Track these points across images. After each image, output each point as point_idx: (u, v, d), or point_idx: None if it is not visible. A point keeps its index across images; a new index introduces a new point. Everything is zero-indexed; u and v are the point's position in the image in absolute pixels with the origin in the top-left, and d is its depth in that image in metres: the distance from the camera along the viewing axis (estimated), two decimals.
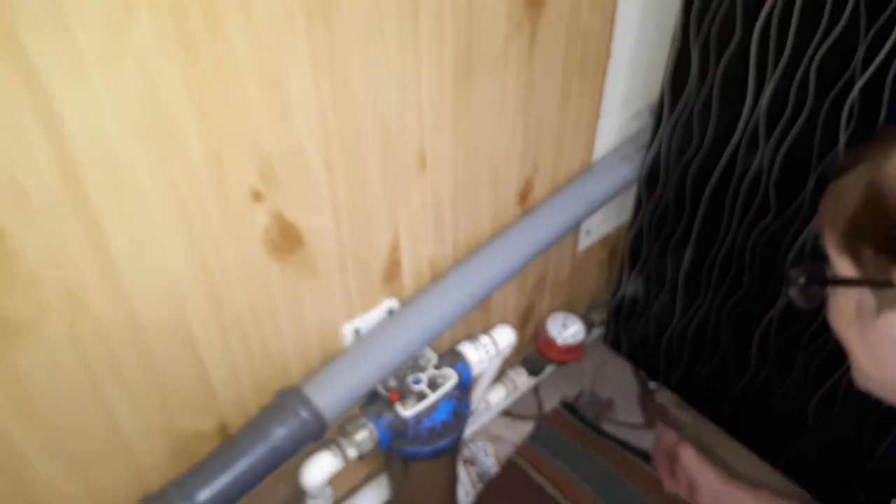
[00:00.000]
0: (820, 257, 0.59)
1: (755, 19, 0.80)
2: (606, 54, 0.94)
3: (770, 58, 0.80)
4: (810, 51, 0.77)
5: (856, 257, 0.55)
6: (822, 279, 0.60)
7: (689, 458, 1.00)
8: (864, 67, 0.74)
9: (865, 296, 0.56)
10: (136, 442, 0.72)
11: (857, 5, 0.72)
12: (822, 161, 0.82)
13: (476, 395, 1.00)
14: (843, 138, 0.79)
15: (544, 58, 0.85)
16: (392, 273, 0.86)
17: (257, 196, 0.66)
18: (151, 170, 0.57)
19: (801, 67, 0.78)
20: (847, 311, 0.60)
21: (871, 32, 0.72)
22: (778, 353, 0.99)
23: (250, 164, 0.63)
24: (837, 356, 0.92)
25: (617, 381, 1.28)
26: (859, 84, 0.75)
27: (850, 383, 0.66)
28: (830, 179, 0.58)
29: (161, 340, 0.67)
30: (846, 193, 0.56)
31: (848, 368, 0.61)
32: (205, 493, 0.71)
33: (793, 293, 0.65)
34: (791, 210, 0.88)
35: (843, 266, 0.57)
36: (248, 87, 0.59)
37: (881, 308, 0.54)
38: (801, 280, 0.63)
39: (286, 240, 0.71)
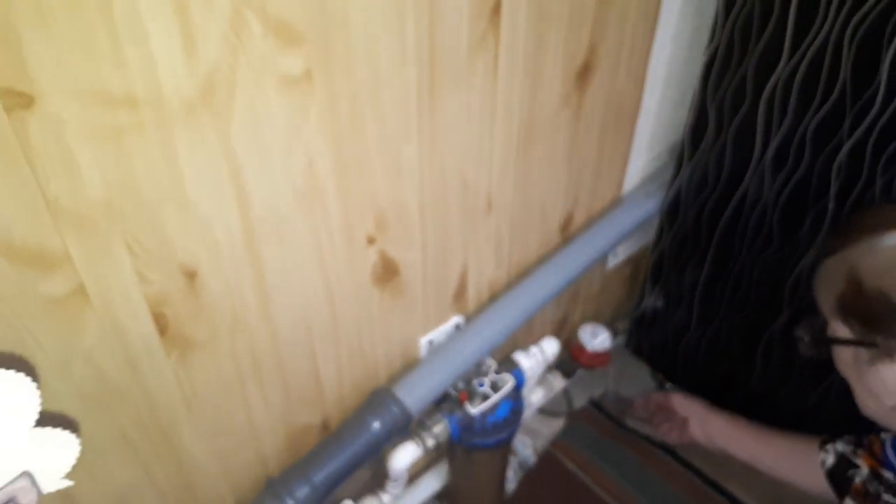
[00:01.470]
0: (814, 314, 0.75)
1: (763, 89, 0.97)
2: (636, 110, 1.12)
3: (774, 121, 0.98)
4: (807, 117, 0.95)
5: (847, 324, 0.71)
6: (824, 339, 0.75)
7: (678, 399, 1.22)
8: (850, 133, 0.91)
9: (860, 351, 0.71)
10: (263, 434, 0.90)
11: (844, 85, 0.89)
12: (817, 204, 1.00)
13: (524, 395, 1.18)
14: (833, 188, 0.96)
15: (588, 119, 1.03)
16: (460, 294, 1.04)
17: (371, 240, 0.83)
18: (301, 224, 0.75)
19: (800, 130, 0.96)
20: (847, 360, 0.75)
21: (856, 107, 0.89)
22: (780, 359, 1.17)
23: (370, 216, 0.81)
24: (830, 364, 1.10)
25: (637, 382, 1.46)
26: (846, 146, 0.92)
27: (842, 385, 0.84)
28: (822, 258, 0.74)
29: (291, 351, 0.85)
30: (834, 274, 0.71)
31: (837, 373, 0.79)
32: (320, 476, 0.88)
33: (801, 347, 0.80)
34: (791, 242, 1.05)
35: (838, 328, 0.71)
36: (373, 160, 0.77)
37: (873, 360, 0.69)
38: (807, 339, 0.79)
39: (387, 271, 0.89)
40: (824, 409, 1.15)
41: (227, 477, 0.89)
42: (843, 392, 1.08)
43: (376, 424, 0.92)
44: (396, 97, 0.75)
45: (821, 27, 0.88)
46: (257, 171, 0.67)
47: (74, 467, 0.67)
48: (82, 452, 0.68)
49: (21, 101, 0.50)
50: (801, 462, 1.06)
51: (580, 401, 1.44)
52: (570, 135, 1.02)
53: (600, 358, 1.34)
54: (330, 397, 0.95)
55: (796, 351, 1.13)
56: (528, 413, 1.37)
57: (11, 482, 0.44)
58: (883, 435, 0.95)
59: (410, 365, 1.01)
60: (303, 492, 0.86)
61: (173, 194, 0.63)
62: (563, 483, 1.29)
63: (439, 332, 1.04)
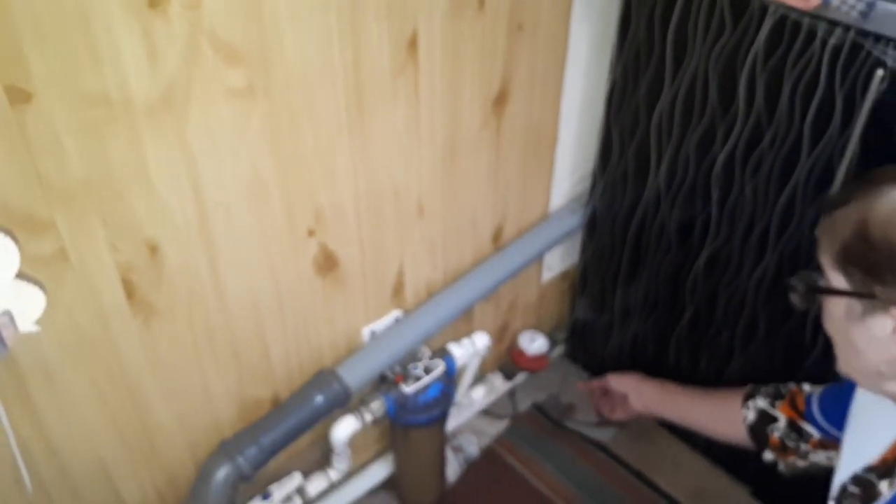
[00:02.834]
0: (813, 266, 0.77)
1: (652, 113, 1.15)
2: (555, 136, 1.29)
3: (663, 140, 1.15)
4: (688, 135, 1.12)
5: (847, 275, 0.71)
6: (819, 289, 0.76)
7: (613, 378, 1.34)
8: (722, 147, 1.08)
9: (853, 304, 0.72)
10: (218, 402, 1.04)
11: (713, 108, 1.07)
12: (703, 210, 1.16)
13: (461, 389, 1.32)
14: (714, 195, 1.13)
15: (508, 141, 1.20)
16: (398, 290, 1.19)
17: (311, 232, 1.00)
18: (249, 214, 0.91)
19: (683, 147, 1.13)
20: (837, 314, 0.75)
21: (724, 124, 1.07)
22: (689, 351, 1.31)
23: (309, 211, 0.98)
24: (728, 356, 1.25)
25: (575, 388, 1.60)
26: (721, 159, 1.09)
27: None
28: (826, 210, 0.75)
29: (242, 328, 1.00)
30: (840, 225, 0.72)
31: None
32: (267, 439, 1.03)
33: (793, 298, 0.80)
34: (685, 247, 1.21)
35: (835, 279, 0.73)
36: (311, 163, 0.94)
37: (865, 313, 0.71)
38: (801, 288, 0.78)
39: (327, 262, 1.05)
40: None
41: (186, 439, 1.03)
42: (742, 382, 1.22)
43: (319, 398, 1.06)
44: (328, 111, 0.92)
45: (692, 58, 1.06)
46: (209, 165, 0.84)
47: (52, 407, 0.82)
48: (58, 392, 0.84)
49: (22, 96, 0.68)
50: (725, 419, 1.14)
51: (524, 405, 1.57)
52: (493, 154, 1.19)
53: (538, 361, 1.49)
54: (279, 375, 1.09)
55: (699, 345, 1.28)
56: (472, 412, 1.51)
57: None
58: (807, 388, 1.05)
59: (353, 351, 1.16)
60: (251, 451, 1.00)
61: (139, 178, 0.79)
62: (503, 475, 1.42)
63: (380, 324, 1.19)
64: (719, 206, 1.14)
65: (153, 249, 0.84)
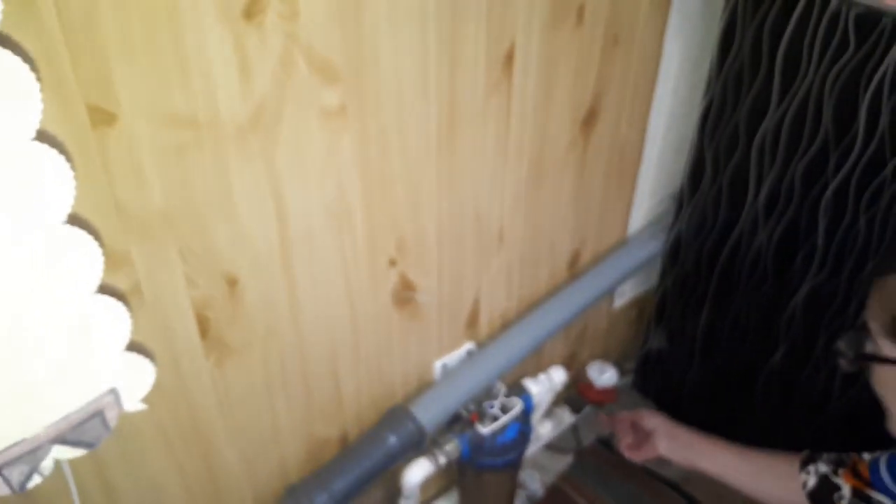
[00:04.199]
0: (857, 328, 0.75)
1: (754, 136, 1.06)
2: (639, 157, 1.21)
3: (765, 166, 1.06)
4: (795, 161, 1.03)
5: None
6: (869, 357, 0.74)
7: (646, 414, 1.19)
8: (834, 175, 0.99)
9: None
10: (286, 441, 0.96)
11: (826, 131, 0.98)
12: (806, 242, 1.07)
13: (533, 423, 1.23)
14: (821, 225, 1.04)
15: (593, 163, 1.12)
16: (472, 321, 1.11)
17: (392, 262, 0.92)
18: (331, 243, 0.83)
19: (789, 173, 1.04)
20: (887, 379, 0.75)
21: (838, 150, 0.98)
22: (779, 390, 1.22)
23: (392, 240, 0.90)
24: (826, 395, 1.15)
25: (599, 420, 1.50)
26: (832, 187, 1.00)
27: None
28: (879, 274, 0.73)
29: (316, 363, 0.92)
30: (892, 293, 0.71)
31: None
32: (338, 485, 0.94)
33: (842, 363, 0.79)
34: (784, 279, 1.12)
35: (886, 346, 0.72)
36: (397, 187, 0.86)
37: None
38: (850, 354, 0.77)
39: (406, 293, 0.97)
40: (824, 444, 1.19)
41: (251, 481, 0.95)
42: (840, 423, 1.13)
43: (393, 439, 0.98)
44: (419, 131, 0.84)
45: (804, 78, 0.97)
46: (296, 191, 0.76)
47: (115, 455, 0.74)
48: (123, 440, 0.76)
49: (105, 117, 0.60)
50: (780, 481, 1.04)
51: (588, 439, 1.49)
52: (576, 177, 1.11)
53: (607, 394, 1.40)
54: (349, 412, 1.01)
55: (793, 385, 1.19)
56: (536, 447, 1.42)
57: (101, 396, 0.52)
58: (866, 455, 0.99)
59: (425, 386, 1.07)
60: (321, 498, 0.92)
61: (222, 207, 0.72)
62: None
63: (453, 357, 1.11)
64: (826, 237, 1.04)
65: (232, 283, 0.77)
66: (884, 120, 0.92)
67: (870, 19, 0.89)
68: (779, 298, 1.14)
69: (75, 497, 0.73)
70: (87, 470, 0.76)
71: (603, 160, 1.14)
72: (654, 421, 1.20)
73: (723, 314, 1.24)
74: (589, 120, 1.06)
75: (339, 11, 0.70)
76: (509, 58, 0.89)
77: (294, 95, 0.71)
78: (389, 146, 0.82)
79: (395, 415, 1.00)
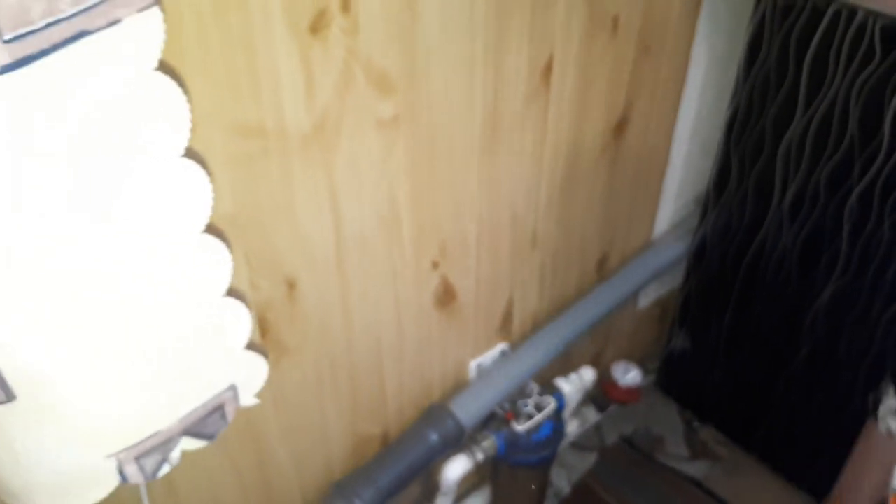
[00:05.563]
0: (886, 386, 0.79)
1: (780, 142, 1.09)
2: (666, 162, 1.24)
3: (791, 170, 1.10)
4: (820, 166, 1.06)
5: None
6: None
7: None
8: (859, 180, 1.03)
9: None
10: (332, 439, 0.99)
11: (852, 137, 1.01)
12: (831, 245, 1.10)
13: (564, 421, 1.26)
14: (845, 229, 1.07)
15: (622, 167, 1.15)
16: (506, 322, 1.14)
17: (435, 265, 0.95)
18: (381, 246, 0.87)
19: (813, 178, 1.07)
20: None
21: (864, 156, 1.01)
22: (802, 390, 1.25)
23: (435, 244, 0.93)
24: (848, 397, 1.18)
25: (667, 420, 1.54)
26: (856, 192, 1.04)
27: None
28: None
29: (364, 363, 0.95)
30: None
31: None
32: (384, 480, 0.98)
33: (881, 426, 0.82)
34: (808, 282, 1.15)
35: None
36: (442, 194, 0.89)
37: None
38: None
39: (447, 295, 1.00)
40: (846, 440, 1.23)
41: (299, 478, 0.98)
42: (862, 424, 1.16)
43: (434, 436, 1.01)
44: (464, 139, 0.88)
45: (830, 85, 1.01)
46: (351, 197, 0.80)
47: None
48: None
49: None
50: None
51: (612, 437, 1.52)
52: (607, 181, 1.14)
53: (631, 393, 1.43)
54: (391, 410, 1.05)
55: (815, 386, 1.22)
56: (561, 445, 1.45)
57: (223, 392, 0.55)
58: None
59: (460, 386, 1.11)
60: (368, 493, 0.96)
61: (284, 213, 0.75)
62: None
63: (487, 357, 1.14)
64: (850, 241, 1.08)
65: (291, 286, 0.80)
66: None
67: (895, 30, 0.92)
68: (802, 301, 1.17)
69: (144, 496, 0.77)
70: None
71: (632, 165, 1.17)
72: None
73: (746, 316, 1.27)
74: (620, 126, 1.09)
75: (396, 27, 0.73)
76: (548, 68, 0.92)
77: (353, 106, 0.74)
78: (436, 153, 0.86)
79: (436, 413, 1.03)
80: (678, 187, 1.29)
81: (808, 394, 1.24)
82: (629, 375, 1.41)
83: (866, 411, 1.18)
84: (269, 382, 0.85)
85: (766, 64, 1.07)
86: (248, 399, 0.63)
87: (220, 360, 0.57)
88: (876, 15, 0.94)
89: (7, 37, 0.38)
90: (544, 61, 0.91)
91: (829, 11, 0.98)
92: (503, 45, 0.85)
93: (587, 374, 1.19)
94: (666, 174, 1.26)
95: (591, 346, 1.40)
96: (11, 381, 0.44)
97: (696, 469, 1.45)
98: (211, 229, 0.60)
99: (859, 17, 0.95)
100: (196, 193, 0.54)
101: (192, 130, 0.63)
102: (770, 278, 1.20)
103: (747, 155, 1.15)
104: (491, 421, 1.11)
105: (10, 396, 0.44)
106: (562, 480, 1.41)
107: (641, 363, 1.50)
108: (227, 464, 0.87)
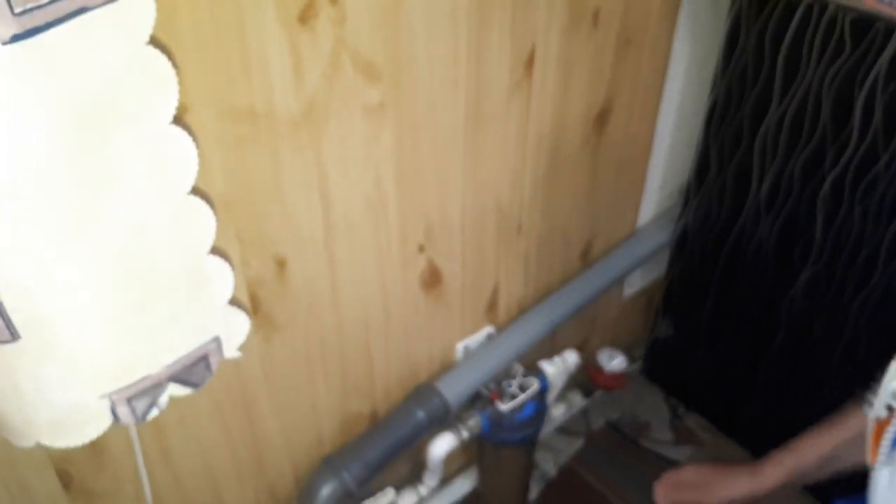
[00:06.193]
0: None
1: (756, 132, 1.13)
2: (648, 153, 1.28)
3: (767, 160, 1.14)
4: (794, 156, 1.10)
5: None
6: None
7: (689, 468, 1.03)
8: (831, 169, 1.06)
9: None
10: (322, 416, 1.03)
11: (824, 127, 1.05)
12: (806, 232, 1.14)
13: (548, 403, 1.30)
14: (819, 216, 1.11)
15: (605, 158, 1.19)
16: (492, 306, 1.18)
17: (421, 248, 0.99)
18: (368, 229, 0.91)
19: (788, 167, 1.11)
20: None
21: (835, 146, 1.05)
22: (781, 373, 1.29)
23: (421, 227, 0.97)
24: (821, 383, 1.22)
25: (651, 406, 1.58)
26: (829, 180, 1.07)
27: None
28: None
29: (351, 342, 0.99)
30: None
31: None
32: (371, 455, 1.02)
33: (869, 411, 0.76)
34: (784, 267, 1.19)
35: None
36: (427, 179, 0.93)
37: None
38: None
39: (433, 278, 1.04)
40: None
41: (289, 452, 1.02)
42: (839, 402, 1.20)
43: (421, 413, 1.05)
44: (447, 127, 0.91)
45: (804, 77, 1.04)
46: (338, 180, 0.84)
47: (174, 420, 0.82)
48: (182, 406, 0.83)
49: (184, 108, 0.67)
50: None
51: (598, 423, 1.56)
52: (590, 171, 1.18)
53: (616, 379, 1.47)
54: (379, 389, 1.09)
55: (793, 367, 1.26)
56: (548, 429, 1.49)
57: (207, 343, 0.59)
58: None
59: (447, 367, 1.15)
60: (356, 467, 1.00)
61: (274, 193, 0.79)
62: (582, 494, 1.40)
63: (473, 340, 1.18)
64: (824, 227, 1.11)
65: (281, 264, 0.84)
66: (877, 117, 0.99)
67: (864, 24, 0.96)
68: (779, 287, 1.21)
69: (139, 456, 0.81)
70: (149, 432, 0.84)
71: (615, 156, 1.21)
72: (703, 468, 1.03)
73: (727, 303, 1.31)
74: (602, 117, 1.13)
75: (382, 17, 0.77)
76: (530, 59, 0.96)
77: (340, 93, 0.78)
78: (421, 140, 0.89)
79: (423, 391, 1.07)
80: (662, 177, 1.33)
81: (785, 379, 1.28)
82: (614, 362, 1.45)
83: (841, 398, 1.21)
84: (262, 358, 0.89)
85: (743, 58, 1.11)
86: (230, 352, 0.67)
87: (205, 313, 0.61)
88: (846, 9, 0.98)
89: (17, 10, 0.43)
90: (527, 53, 0.95)
91: (802, 6, 1.01)
92: (485, 37, 0.89)
93: (571, 358, 1.22)
94: (649, 165, 1.30)
95: (577, 334, 1.44)
96: (16, 321, 0.48)
97: (679, 453, 1.49)
98: (197, 191, 0.64)
99: (830, 10, 0.99)
100: (183, 157, 0.58)
101: (185, 112, 0.68)
102: (749, 265, 1.24)
103: (726, 146, 1.19)
104: (476, 400, 1.15)
105: (14, 336, 0.48)
106: (548, 464, 1.45)
107: (628, 351, 1.54)
108: (222, 438, 0.92)
